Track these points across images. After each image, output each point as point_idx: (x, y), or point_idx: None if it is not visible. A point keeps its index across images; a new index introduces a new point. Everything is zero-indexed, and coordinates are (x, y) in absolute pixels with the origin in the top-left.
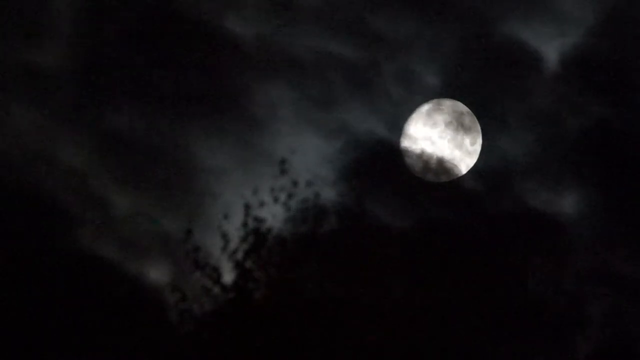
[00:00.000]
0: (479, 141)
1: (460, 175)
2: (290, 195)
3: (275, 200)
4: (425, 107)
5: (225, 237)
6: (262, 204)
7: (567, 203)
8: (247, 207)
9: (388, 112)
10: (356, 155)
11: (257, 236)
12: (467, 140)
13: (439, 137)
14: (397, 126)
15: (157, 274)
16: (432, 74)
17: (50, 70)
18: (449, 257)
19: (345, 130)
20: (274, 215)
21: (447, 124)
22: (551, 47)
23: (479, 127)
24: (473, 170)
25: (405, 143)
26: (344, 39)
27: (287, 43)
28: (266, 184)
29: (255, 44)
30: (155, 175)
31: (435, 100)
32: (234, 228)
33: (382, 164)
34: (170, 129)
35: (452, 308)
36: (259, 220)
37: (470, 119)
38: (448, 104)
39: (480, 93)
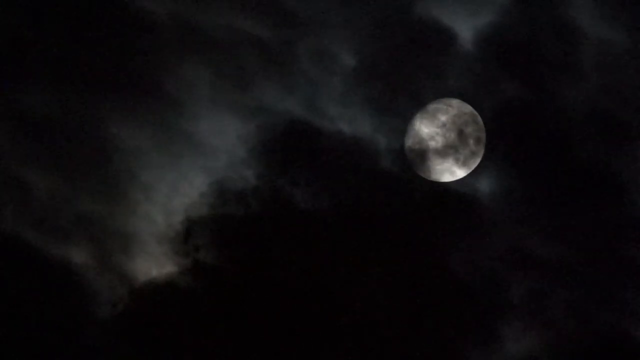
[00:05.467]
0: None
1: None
2: (208, 177)
3: (195, 181)
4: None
5: (145, 218)
6: (182, 186)
7: (483, 182)
8: (166, 188)
9: (304, 92)
10: (273, 135)
11: (176, 218)
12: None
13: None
14: (314, 106)
15: (78, 255)
16: (348, 54)
17: None
18: (368, 238)
19: (261, 110)
20: (192, 197)
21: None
22: (465, 26)
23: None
24: (392, 151)
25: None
26: (258, 18)
27: (201, 21)
28: (185, 165)
29: (169, 22)
30: (73, 156)
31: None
32: (154, 209)
33: (300, 144)
34: (85, 109)
35: (371, 289)
36: (178, 202)
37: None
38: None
39: (395, 72)
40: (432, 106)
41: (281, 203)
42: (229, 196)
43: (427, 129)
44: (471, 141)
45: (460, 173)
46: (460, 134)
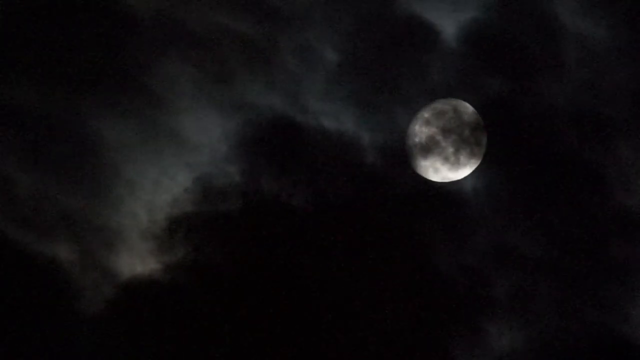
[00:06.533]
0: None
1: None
2: (191, 173)
3: (178, 177)
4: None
5: (129, 214)
6: (165, 182)
7: (467, 179)
8: (150, 184)
9: (287, 88)
10: (256, 131)
11: (160, 214)
12: None
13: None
14: (297, 102)
15: (62, 252)
16: (331, 50)
17: None
18: (351, 234)
19: (244, 106)
20: (175, 193)
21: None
22: (448, 22)
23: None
24: (374, 147)
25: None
26: (241, 14)
27: (184, 17)
28: (169, 161)
29: (152, 19)
30: (56, 153)
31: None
32: (138, 205)
33: (283, 140)
34: (69, 105)
35: (355, 285)
36: (162, 198)
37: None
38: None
39: (378, 68)
40: (424, 105)
41: (265, 199)
42: (212, 192)
43: (417, 126)
44: (462, 140)
45: (445, 170)
46: (451, 133)
